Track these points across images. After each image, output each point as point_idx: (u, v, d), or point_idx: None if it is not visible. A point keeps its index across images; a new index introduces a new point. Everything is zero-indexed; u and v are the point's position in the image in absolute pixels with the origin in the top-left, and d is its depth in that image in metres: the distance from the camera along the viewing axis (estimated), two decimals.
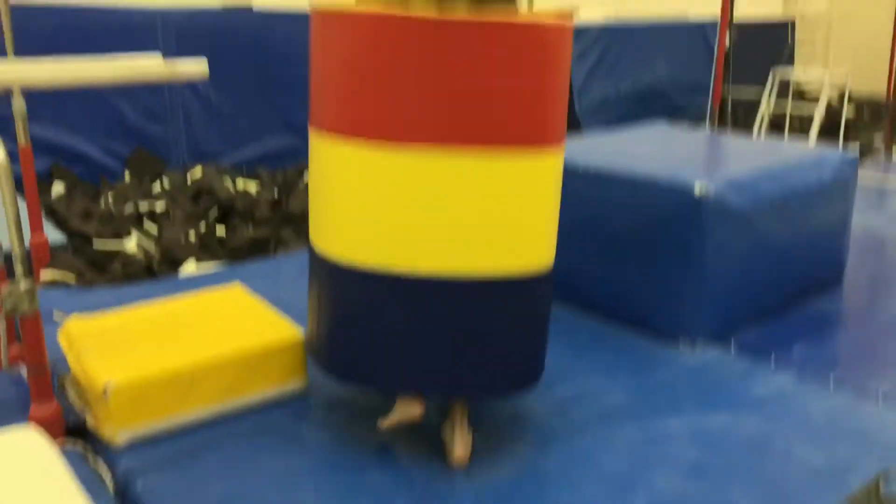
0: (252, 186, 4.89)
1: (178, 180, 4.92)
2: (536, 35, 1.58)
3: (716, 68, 5.05)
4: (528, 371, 1.78)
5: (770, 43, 8.62)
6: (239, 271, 3.22)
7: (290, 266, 3.15)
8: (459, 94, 1.53)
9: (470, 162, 1.55)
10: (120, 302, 2.51)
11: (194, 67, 1.97)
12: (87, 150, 4.87)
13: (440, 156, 1.54)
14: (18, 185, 2.64)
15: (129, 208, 4.29)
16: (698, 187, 2.31)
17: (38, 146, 4.69)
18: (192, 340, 1.97)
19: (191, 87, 5.20)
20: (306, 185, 4.62)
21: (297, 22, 4.56)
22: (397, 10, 1.53)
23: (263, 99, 5.48)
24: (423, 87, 1.53)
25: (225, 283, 2.46)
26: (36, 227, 3.15)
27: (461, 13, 1.53)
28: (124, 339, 1.98)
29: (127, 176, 4.96)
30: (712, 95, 5.08)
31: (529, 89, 1.58)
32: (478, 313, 1.63)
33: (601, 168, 2.56)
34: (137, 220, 4.22)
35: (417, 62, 1.52)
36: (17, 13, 4.40)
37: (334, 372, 1.78)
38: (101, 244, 3.53)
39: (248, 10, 5.48)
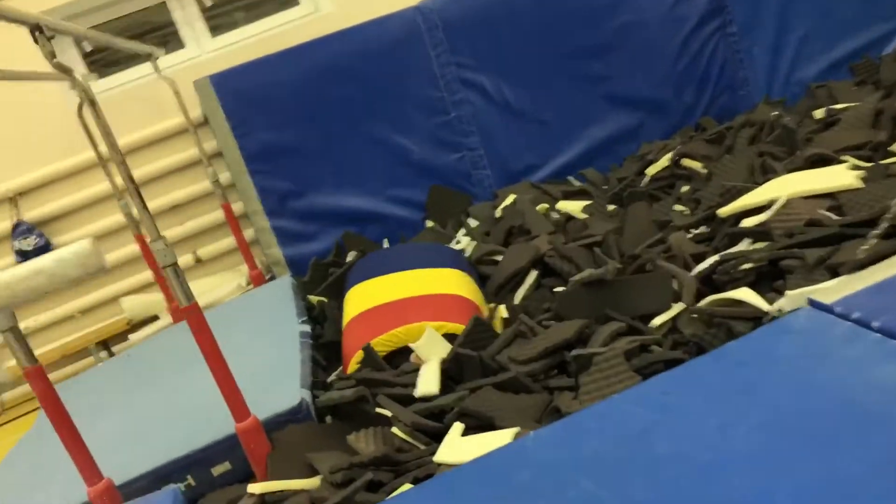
0: (577, 208, 3.59)
1: (485, 214, 3.84)
2: None
3: None
4: None
5: None
6: None
7: None
8: None
9: None
10: None
11: None
12: (377, 208, 4.02)
13: None
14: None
15: None
16: None
17: (326, 218, 4.01)
18: None
19: (478, 89, 4.04)
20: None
21: None
22: None
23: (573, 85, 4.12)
24: None
25: None
26: None
27: None
28: None
29: (428, 224, 4.03)
30: None
31: None
32: None
33: None
34: None
35: None
36: None
37: None
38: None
39: None
